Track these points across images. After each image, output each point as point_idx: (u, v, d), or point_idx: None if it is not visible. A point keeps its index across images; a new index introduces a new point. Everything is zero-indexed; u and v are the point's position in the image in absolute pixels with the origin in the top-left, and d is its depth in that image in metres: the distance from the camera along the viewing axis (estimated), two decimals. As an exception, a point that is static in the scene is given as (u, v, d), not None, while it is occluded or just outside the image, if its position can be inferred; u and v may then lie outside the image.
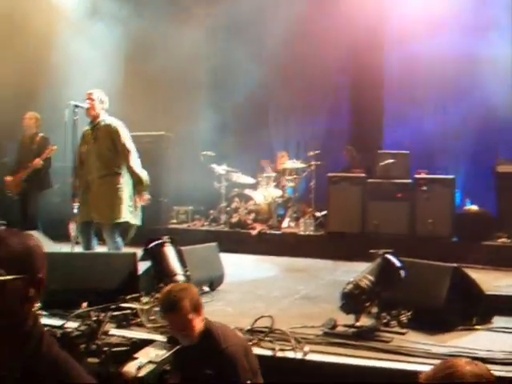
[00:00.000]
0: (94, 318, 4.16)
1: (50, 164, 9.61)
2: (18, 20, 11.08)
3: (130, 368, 3.27)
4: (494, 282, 7.00)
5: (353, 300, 4.80)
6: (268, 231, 10.64)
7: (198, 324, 3.65)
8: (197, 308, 3.67)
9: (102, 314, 4.40)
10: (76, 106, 7.21)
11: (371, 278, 4.85)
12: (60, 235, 8.31)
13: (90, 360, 3.74)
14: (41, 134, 9.62)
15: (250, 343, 4.36)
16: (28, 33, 11.06)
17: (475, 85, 10.75)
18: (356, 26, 11.85)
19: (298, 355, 4.25)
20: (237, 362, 3.61)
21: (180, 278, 5.67)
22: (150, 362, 3.39)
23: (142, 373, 3.25)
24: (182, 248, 6.24)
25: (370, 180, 10.09)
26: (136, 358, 3.40)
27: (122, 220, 7.06)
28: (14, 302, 1.79)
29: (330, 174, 10.34)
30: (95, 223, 7.26)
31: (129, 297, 5.36)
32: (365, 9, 11.52)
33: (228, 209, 11.11)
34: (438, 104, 12.03)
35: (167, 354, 3.49)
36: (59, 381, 1.77)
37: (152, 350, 3.54)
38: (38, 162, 9.30)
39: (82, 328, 3.94)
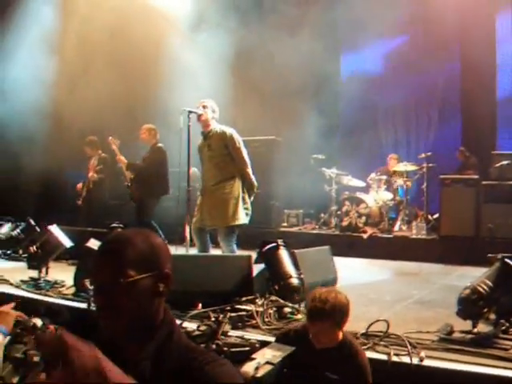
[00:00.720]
0: (213, 319, 4.28)
1: (159, 169, 9.63)
2: (126, 30, 11.43)
3: (248, 368, 3.34)
4: None
5: (470, 305, 4.69)
6: (379, 235, 10.57)
7: (338, 335, 3.71)
8: (343, 322, 3.71)
9: (221, 315, 4.52)
10: (190, 112, 7.42)
11: (489, 282, 4.73)
12: (174, 239, 8.60)
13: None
14: (159, 145, 9.69)
15: (365, 347, 4.38)
16: (137, 43, 11.42)
17: None
18: (466, 21, 11.62)
19: (414, 360, 4.20)
20: (368, 371, 3.69)
21: (294, 280, 5.74)
22: (268, 362, 3.46)
23: (260, 373, 3.32)
24: (296, 251, 6.30)
25: (484, 182, 9.82)
26: (254, 359, 3.48)
27: (239, 222, 7.22)
28: (145, 299, 1.88)
29: (442, 176, 10.14)
30: (210, 228, 7.48)
31: (244, 299, 5.48)
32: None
33: (339, 212, 11.11)
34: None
35: (284, 355, 3.56)
36: (196, 369, 1.81)
37: (269, 351, 3.60)
38: (118, 159, 9.56)
39: (203, 328, 4.07)
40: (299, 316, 5.24)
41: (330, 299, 3.67)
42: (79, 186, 10.94)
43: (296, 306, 5.47)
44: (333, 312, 3.63)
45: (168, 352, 1.87)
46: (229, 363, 1.88)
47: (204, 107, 7.38)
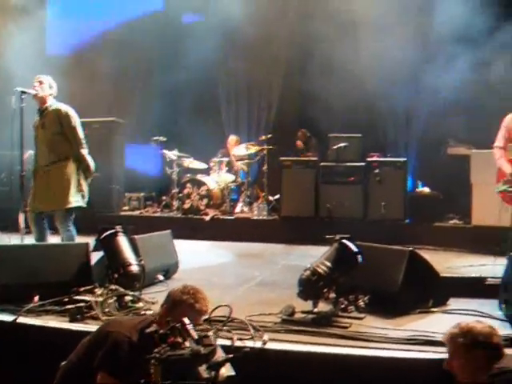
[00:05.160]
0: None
1: None
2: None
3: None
4: (445, 263, 7.08)
5: (310, 286, 4.78)
6: (221, 217, 10.57)
7: None
8: None
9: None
10: (23, 93, 7.02)
11: (328, 263, 4.83)
12: (8, 226, 8.12)
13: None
14: None
15: (209, 333, 4.32)
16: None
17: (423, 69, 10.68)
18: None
19: (257, 344, 4.20)
20: None
21: (134, 268, 5.56)
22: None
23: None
24: (136, 236, 6.13)
25: (322, 163, 10.08)
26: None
27: (73, 205, 6.92)
28: None
29: (282, 158, 10.29)
30: (47, 213, 7.12)
31: (82, 289, 5.24)
32: None
33: (180, 195, 10.98)
34: (387, 88, 11.94)
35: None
36: None
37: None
38: None
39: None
40: (140, 304, 5.11)
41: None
42: None
43: (137, 293, 5.31)
44: None
45: None
46: None
47: (40, 83, 7.03)
